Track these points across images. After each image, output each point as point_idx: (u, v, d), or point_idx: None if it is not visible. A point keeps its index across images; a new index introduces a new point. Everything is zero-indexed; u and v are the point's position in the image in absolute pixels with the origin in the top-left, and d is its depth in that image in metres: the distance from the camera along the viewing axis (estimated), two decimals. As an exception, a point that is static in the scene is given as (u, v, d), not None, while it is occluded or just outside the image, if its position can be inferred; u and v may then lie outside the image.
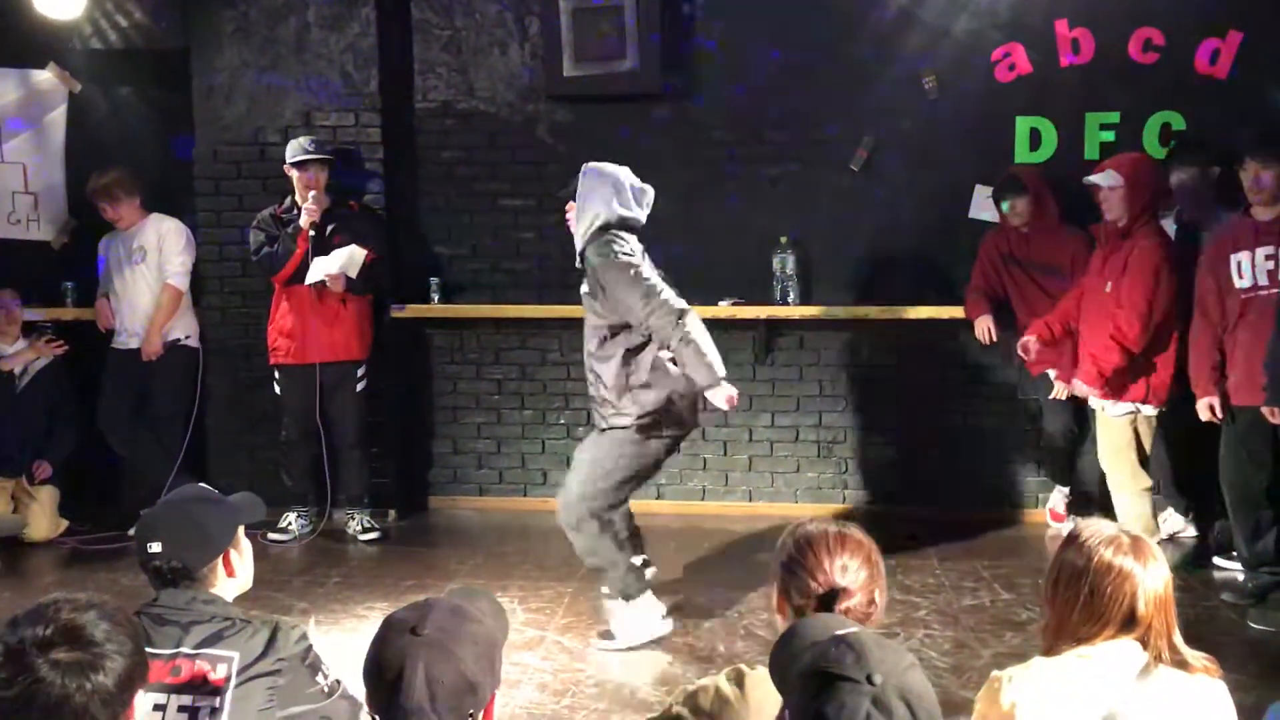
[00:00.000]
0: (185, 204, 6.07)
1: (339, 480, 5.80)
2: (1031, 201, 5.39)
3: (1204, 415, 4.60)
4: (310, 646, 2.44)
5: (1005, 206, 5.44)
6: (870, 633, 1.65)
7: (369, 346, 5.81)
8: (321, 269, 5.47)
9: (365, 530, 5.73)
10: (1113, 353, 4.68)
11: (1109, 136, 5.69)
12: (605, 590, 4.34)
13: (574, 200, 4.32)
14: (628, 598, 4.29)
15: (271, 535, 5.62)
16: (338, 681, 2.48)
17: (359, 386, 5.76)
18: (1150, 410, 4.77)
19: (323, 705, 2.43)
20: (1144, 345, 4.68)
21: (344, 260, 5.48)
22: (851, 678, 1.54)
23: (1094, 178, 4.80)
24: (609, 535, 4.26)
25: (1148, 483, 4.83)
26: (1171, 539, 5.41)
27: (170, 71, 6.06)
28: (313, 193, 5.52)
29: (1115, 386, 4.74)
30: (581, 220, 4.30)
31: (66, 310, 6.20)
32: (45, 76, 6.17)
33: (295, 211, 5.58)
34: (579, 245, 4.32)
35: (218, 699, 2.28)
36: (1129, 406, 4.75)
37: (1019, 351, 5.30)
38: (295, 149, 5.59)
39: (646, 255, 4.32)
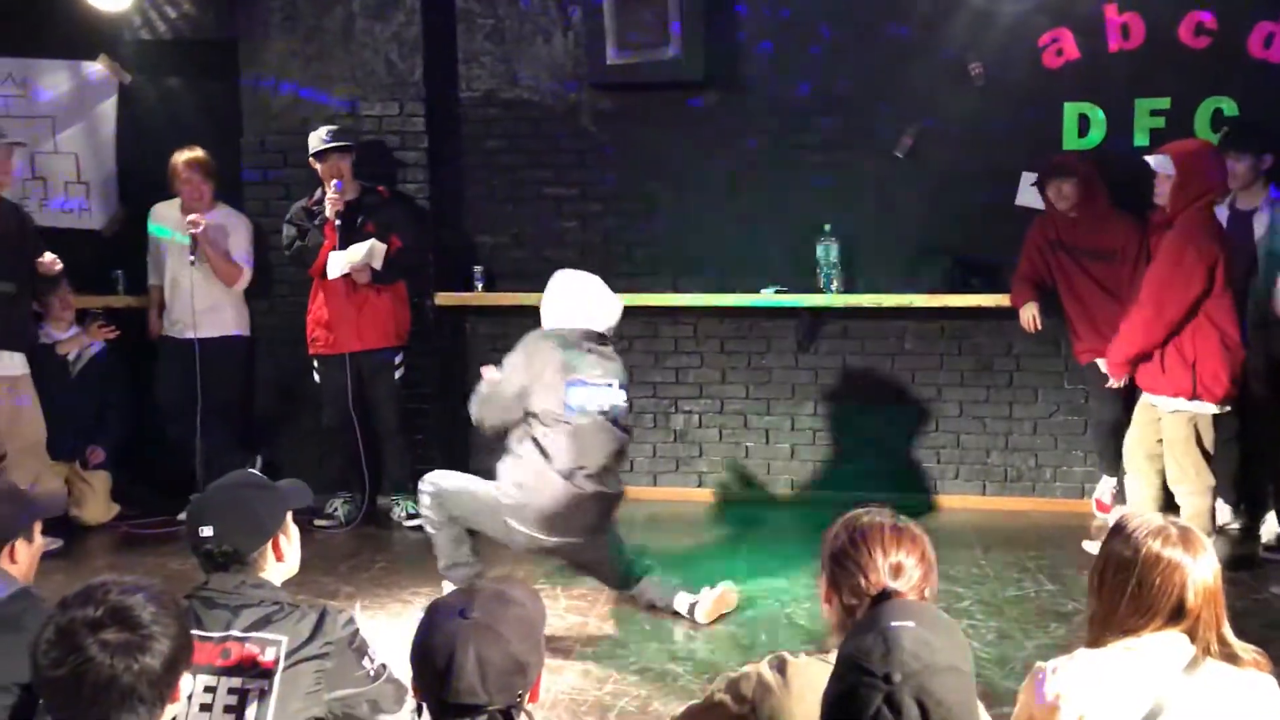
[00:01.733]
0: (233, 194, 6.14)
1: (383, 467, 5.85)
2: (1079, 186, 5.31)
3: None
4: (357, 630, 2.48)
5: (1049, 191, 5.37)
6: (919, 632, 1.62)
7: (405, 334, 5.86)
8: (340, 263, 5.52)
9: (409, 516, 5.78)
10: (1126, 340, 4.60)
11: (1159, 123, 5.59)
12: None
13: None
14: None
15: (318, 521, 5.70)
16: (384, 666, 2.52)
17: (397, 374, 5.82)
18: (1207, 409, 4.59)
19: (369, 689, 2.47)
20: (1161, 334, 4.53)
21: (364, 254, 5.52)
22: (872, 671, 1.56)
23: (1150, 158, 4.65)
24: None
25: (1210, 481, 4.66)
26: (1220, 531, 5.34)
27: (218, 62, 6.14)
28: (335, 182, 5.54)
29: (1156, 378, 4.63)
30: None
31: (118, 298, 6.30)
32: (96, 68, 6.27)
33: (324, 204, 5.63)
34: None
35: (266, 682, 2.32)
36: (1179, 402, 4.60)
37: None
38: (314, 140, 5.63)
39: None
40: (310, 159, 5.65)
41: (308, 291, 5.91)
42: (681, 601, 4.47)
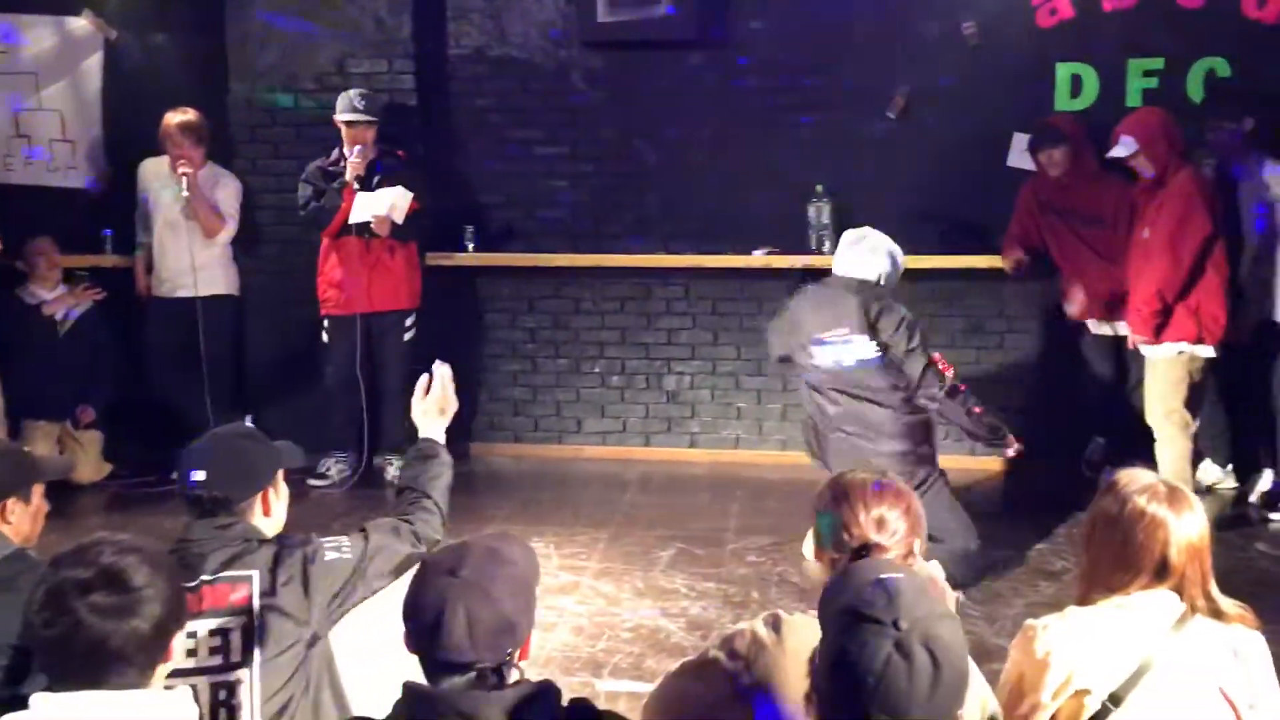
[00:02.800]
0: (223, 151, 6.08)
1: (380, 426, 5.85)
2: (1069, 151, 5.32)
3: None
4: (313, 540, 2.51)
5: (1040, 157, 5.38)
6: (915, 579, 1.66)
7: (418, 295, 5.85)
8: (367, 208, 5.49)
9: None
10: (1153, 300, 4.67)
11: (1152, 83, 5.57)
12: None
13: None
14: None
15: (311, 480, 5.70)
16: (361, 531, 2.57)
17: (406, 335, 5.81)
18: (1205, 351, 4.73)
19: (365, 563, 2.51)
20: (1180, 286, 4.64)
21: (391, 201, 5.49)
22: (879, 619, 1.56)
23: (1113, 153, 4.80)
24: None
25: (1190, 423, 4.77)
26: (1210, 490, 5.38)
27: (204, 18, 6.06)
28: (358, 147, 5.52)
29: (1160, 325, 4.72)
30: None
31: (105, 258, 6.25)
32: (80, 24, 6.17)
33: (342, 165, 5.60)
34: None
35: (244, 617, 2.35)
36: (1179, 346, 4.72)
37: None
38: (345, 105, 5.58)
39: None
40: (335, 119, 5.60)
41: (297, 249, 5.89)
42: None
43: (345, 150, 5.59)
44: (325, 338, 5.81)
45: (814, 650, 1.71)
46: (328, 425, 5.86)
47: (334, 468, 5.81)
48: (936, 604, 1.63)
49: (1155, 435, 4.86)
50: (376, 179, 5.57)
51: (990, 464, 5.92)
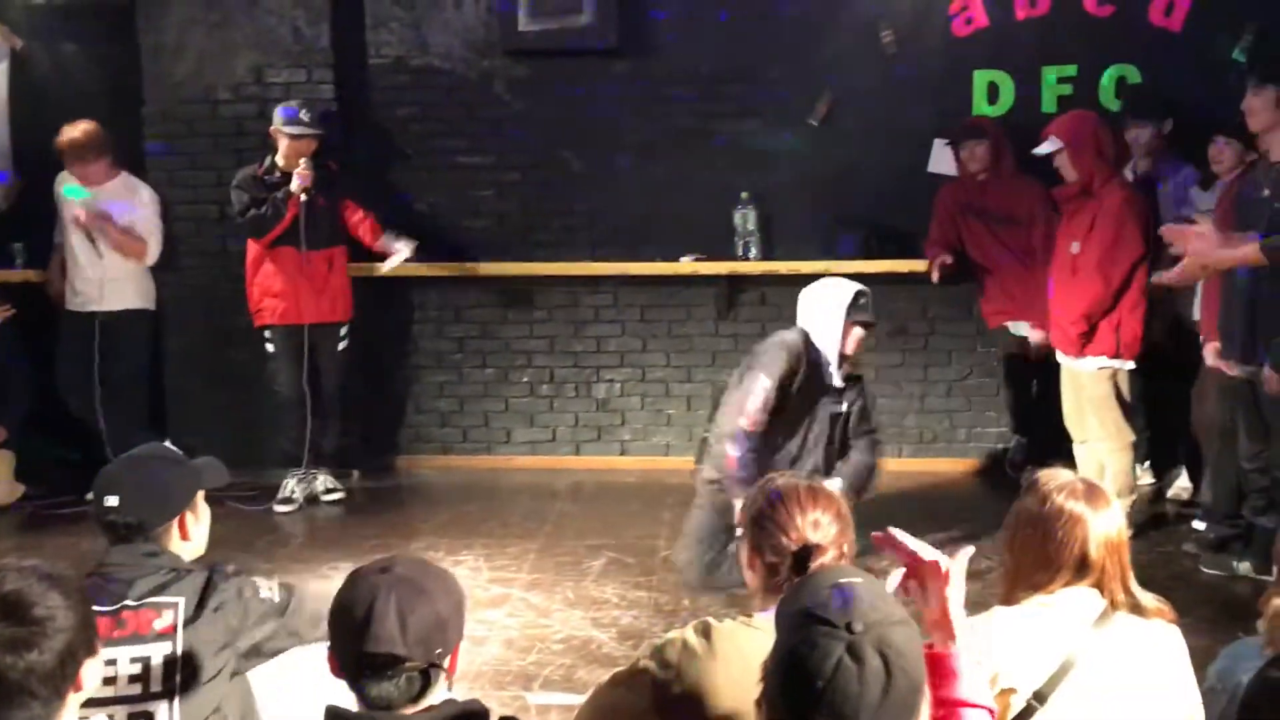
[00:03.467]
0: (136, 164, 5.95)
1: (320, 438, 5.74)
2: (990, 149, 5.42)
3: (1210, 360, 4.58)
4: (245, 576, 2.48)
5: (962, 153, 5.46)
6: (874, 585, 1.64)
7: (351, 307, 5.78)
8: (397, 260, 5.70)
9: (328, 491, 5.70)
10: (1080, 323, 4.72)
11: (1066, 90, 5.69)
12: None
13: None
14: None
15: (277, 506, 5.55)
16: (286, 587, 2.52)
17: (341, 346, 5.74)
18: (1126, 365, 4.78)
19: (284, 621, 2.47)
20: (1110, 303, 4.69)
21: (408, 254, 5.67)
22: (832, 622, 1.53)
23: (1038, 150, 4.85)
24: None
25: (1131, 437, 4.84)
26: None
27: (116, 28, 5.92)
28: (304, 160, 5.43)
29: (1079, 344, 4.77)
30: None
31: (14, 273, 6.06)
32: (-14, 33, 6.01)
33: (276, 174, 5.50)
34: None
35: (168, 645, 2.30)
36: (1101, 360, 4.76)
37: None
38: (286, 118, 5.45)
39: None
40: (274, 130, 5.48)
41: (215, 260, 5.78)
42: None
43: (280, 159, 5.49)
44: (270, 348, 5.67)
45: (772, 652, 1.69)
46: (276, 441, 5.72)
47: (295, 489, 5.65)
48: (895, 610, 1.60)
49: (1074, 438, 4.94)
50: (313, 192, 5.47)
51: (915, 464, 6.00)
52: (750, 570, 2.18)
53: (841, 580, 1.62)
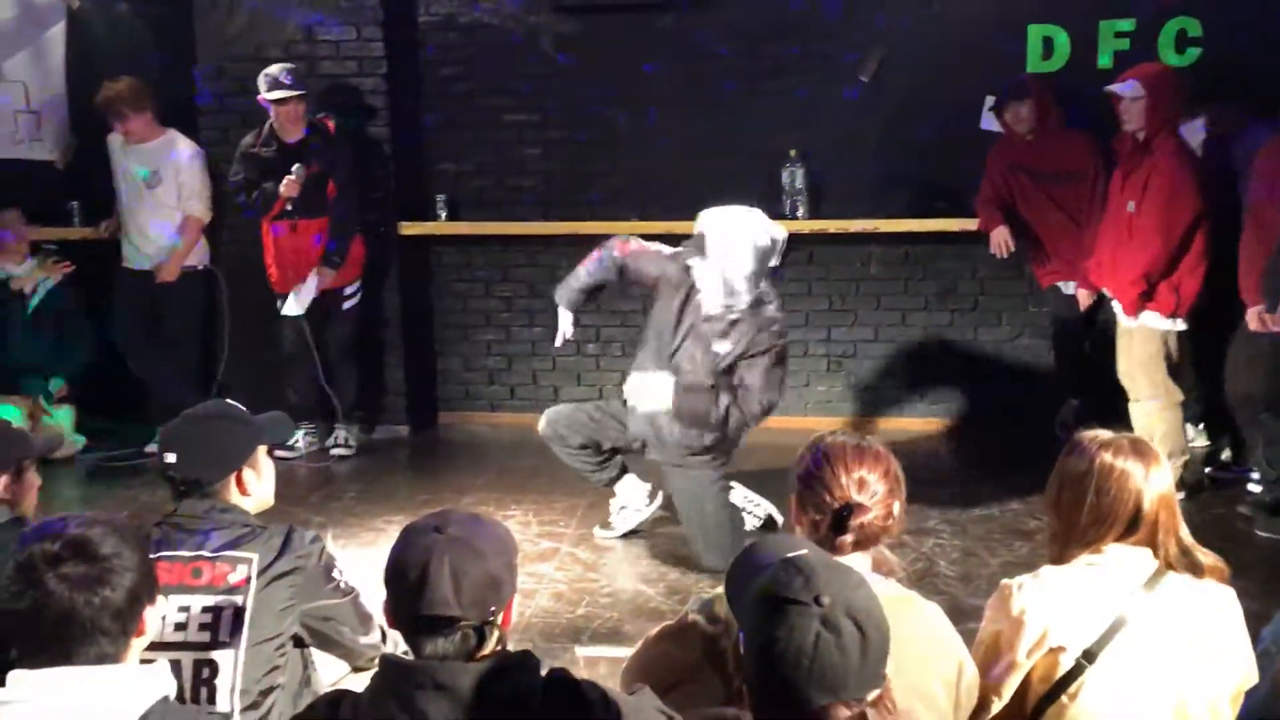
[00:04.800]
0: (189, 121, 6.00)
1: (334, 393, 5.84)
2: (1034, 106, 5.32)
3: (1253, 325, 4.50)
4: (324, 548, 2.52)
5: (1007, 115, 5.37)
6: (819, 554, 1.67)
7: (357, 266, 5.80)
8: (300, 303, 5.60)
9: (337, 445, 5.77)
10: (1140, 283, 4.65)
11: (1123, 45, 5.57)
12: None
13: None
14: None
15: (278, 452, 5.65)
16: (353, 587, 2.55)
17: (346, 305, 5.80)
18: (1179, 325, 4.72)
19: (341, 604, 2.51)
20: (1168, 263, 4.62)
21: (314, 287, 5.60)
22: (800, 600, 1.55)
23: (1115, 87, 4.70)
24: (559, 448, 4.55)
25: (1179, 396, 4.78)
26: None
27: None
28: (297, 165, 5.46)
29: (1143, 299, 4.70)
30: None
31: (73, 230, 6.18)
32: (41, -8, 6.08)
33: (273, 144, 5.54)
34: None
35: (240, 598, 2.36)
36: (1153, 318, 4.70)
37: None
38: (269, 83, 5.44)
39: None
40: (262, 98, 5.49)
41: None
42: None
43: (275, 125, 5.53)
44: (279, 305, 5.76)
45: (737, 635, 1.70)
46: (293, 395, 5.81)
47: (301, 439, 5.76)
48: (849, 574, 1.65)
49: (1129, 397, 4.89)
50: (307, 162, 5.50)
51: (967, 427, 5.96)
52: (798, 525, 2.19)
53: (789, 555, 1.65)
